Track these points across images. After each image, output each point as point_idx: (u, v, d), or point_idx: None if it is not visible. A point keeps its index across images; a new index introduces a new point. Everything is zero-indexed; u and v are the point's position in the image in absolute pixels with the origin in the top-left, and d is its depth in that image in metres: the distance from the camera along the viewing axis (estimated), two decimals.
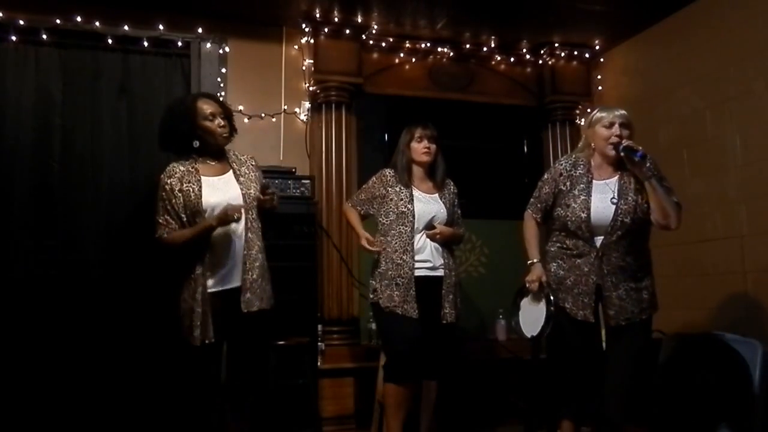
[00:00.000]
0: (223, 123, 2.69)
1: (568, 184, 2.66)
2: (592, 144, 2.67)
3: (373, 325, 3.81)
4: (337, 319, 4.04)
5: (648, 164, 2.51)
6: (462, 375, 3.72)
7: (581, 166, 2.68)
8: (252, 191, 2.68)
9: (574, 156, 2.76)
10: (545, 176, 2.79)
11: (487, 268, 4.55)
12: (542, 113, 4.78)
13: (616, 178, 2.61)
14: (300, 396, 3.41)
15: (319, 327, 3.89)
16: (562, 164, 2.74)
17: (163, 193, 2.61)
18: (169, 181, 2.61)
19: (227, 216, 2.53)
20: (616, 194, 2.57)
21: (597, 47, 4.69)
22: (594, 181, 2.63)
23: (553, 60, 4.69)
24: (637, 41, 4.50)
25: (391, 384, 2.96)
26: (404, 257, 2.98)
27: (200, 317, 2.55)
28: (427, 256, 3.03)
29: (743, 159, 3.68)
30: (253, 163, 2.82)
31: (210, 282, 2.58)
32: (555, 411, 2.79)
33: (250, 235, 2.65)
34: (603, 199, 2.58)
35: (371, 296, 3.07)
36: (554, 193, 2.70)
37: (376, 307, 3.03)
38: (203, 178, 2.64)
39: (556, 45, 4.62)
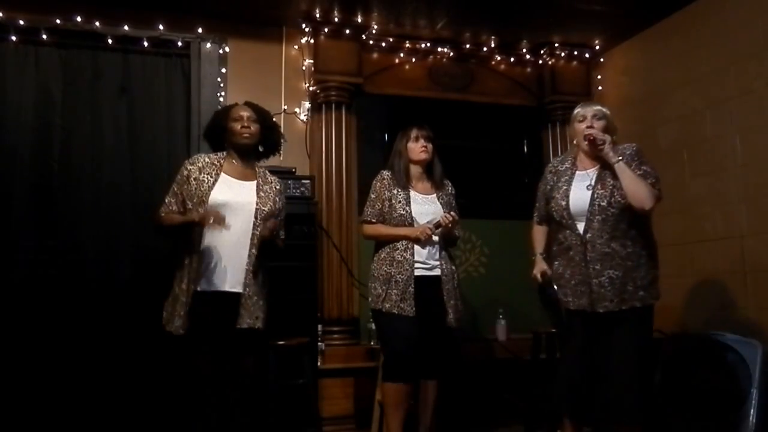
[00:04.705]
0: (246, 125, 2.74)
1: (554, 178, 2.79)
2: (575, 140, 2.80)
3: (373, 325, 3.81)
4: (337, 319, 4.04)
5: (609, 150, 2.60)
6: (461, 375, 3.72)
7: (568, 161, 2.81)
8: (267, 208, 2.70)
9: (565, 154, 2.90)
10: (541, 178, 2.91)
11: (487, 268, 4.55)
12: (542, 113, 4.78)
13: (597, 167, 2.70)
14: (300, 396, 3.41)
15: (319, 327, 3.89)
16: (551, 163, 2.90)
17: (179, 177, 2.70)
18: (189, 168, 2.69)
19: (207, 217, 2.51)
20: (593, 181, 2.66)
21: (597, 47, 4.69)
22: (577, 172, 2.74)
23: (553, 60, 4.69)
24: (637, 41, 4.50)
25: (389, 383, 2.96)
26: (405, 255, 2.99)
27: (184, 307, 2.56)
28: (428, 257, 3.03)
29: (743, 159, 3.68)
30: (278, 187, 2.84)
31: (200, 279, 2.58)
32: (556, 410, 2.80)
33: (254, 251, 2.65)
34: (581, 186, 2.68)
35: (370, 299, 3.07)
36: (546, 191, 2.82)
37: (375, 311, 3.04)
38: (223, 175, 2.68)
39: (556, 45, 4.63)
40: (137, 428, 3.59)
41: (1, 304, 3.56)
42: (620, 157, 2.59)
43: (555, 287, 2.70)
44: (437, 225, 2.99)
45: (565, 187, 2.70)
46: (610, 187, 2.61)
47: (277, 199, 2.79)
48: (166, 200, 2.69)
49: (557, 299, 2.67)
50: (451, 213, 3.03)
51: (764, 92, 3.55)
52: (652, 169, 2.64)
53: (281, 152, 4.12)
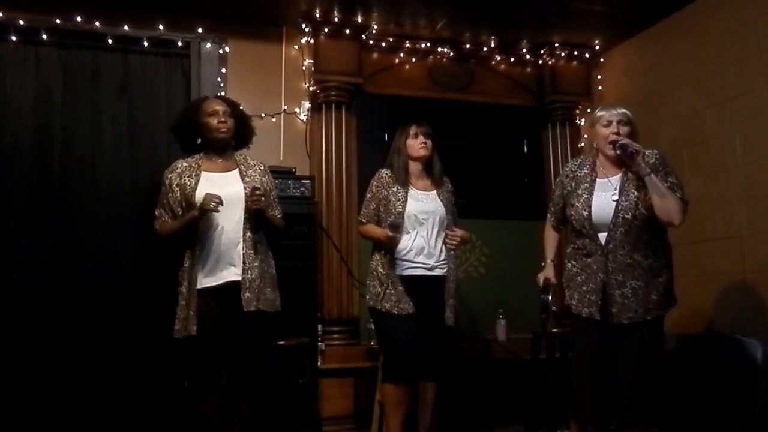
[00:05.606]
0: (223, 119, 2.73)
1: (573, 184, 2.69)
2: (595, 143, 2.69)
3: (373, 326, 3.81)
4: (337, 319, 4.04)
5: (642, 161, 2.50)
6: (461, 375, 3.72)
7: (587, 166, 2.71)
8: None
9: (581, 157, 2.80)
10: (556, 180, 2.83)
11: (487, 268, 4.55)
12: (542, 113, 4.78)
13: (620, 175, 2.61)
14: (300, 396, 3.41)
15: (319, 327, 3.89)
16: (568, 166, 2.79)
17: (163, 188, 2.72)
18: (169, 176, 2.72)
19: (205, 204, 2.53)
20: (617, 191, 2.57)
21: (597, 47, 4.69)
22: (597, 180, 2.64)
23: (553, 60, 4.69)
24: (637, 41, 4.50)
25: (389, 384, 2.96)
26: (405, 254, 2.99)
27: (183, 311, 2.61)
28: (427, 257, 3.02)
29: (743, 159, 3.67)
30: (262, 168, 2.85)
31: (200, 277, 2.61)
32: (561, 411, 2.79)
33: (249, 234, 2.66)
34: (604, 196, 2.58)
35: (368, 298, 3.07)
36: (563, 195, 2.74)
37: (374, 310, 3.04)
38: (204, 173, 2.70)
39: (556, 45, 4.62)
40: (138, 427, 3.59)
41: (0, 303, 3.55)
42: (649, 169, 2.49)
43: (549, 296, 2.72)
44: (393, 225, 2.94)
45: (586, 196, 2.61)
46: (635, 199, 2.53)
47: (264, 179, 2.80)
48: (157, 213, 2.72)
49: (549, 308, 2.71)
50: (453, 233, 3.03)
51: (764, 92, 3.55)
52: (677, 179, 2.57)
53: (281, 152, 4.17)
